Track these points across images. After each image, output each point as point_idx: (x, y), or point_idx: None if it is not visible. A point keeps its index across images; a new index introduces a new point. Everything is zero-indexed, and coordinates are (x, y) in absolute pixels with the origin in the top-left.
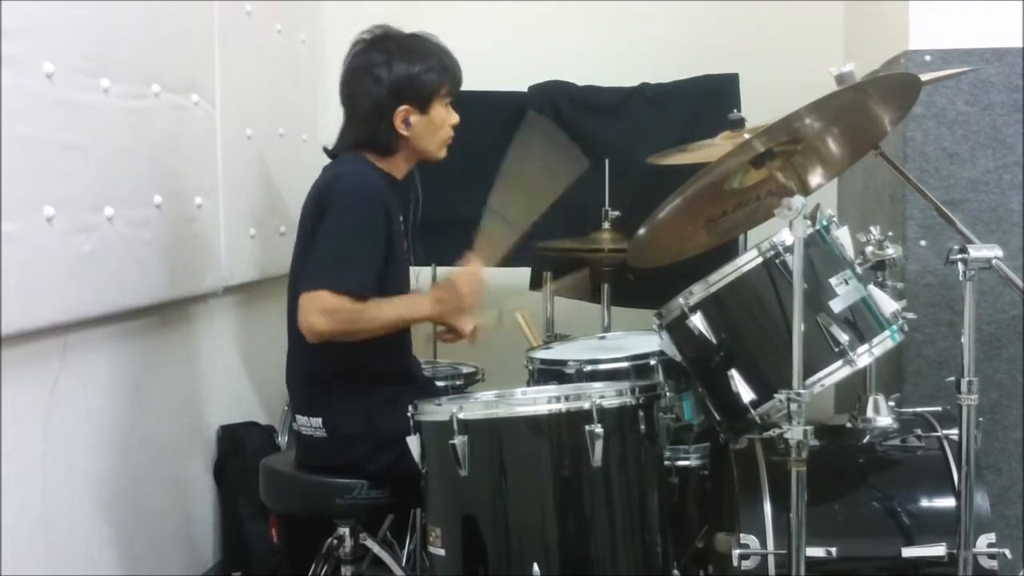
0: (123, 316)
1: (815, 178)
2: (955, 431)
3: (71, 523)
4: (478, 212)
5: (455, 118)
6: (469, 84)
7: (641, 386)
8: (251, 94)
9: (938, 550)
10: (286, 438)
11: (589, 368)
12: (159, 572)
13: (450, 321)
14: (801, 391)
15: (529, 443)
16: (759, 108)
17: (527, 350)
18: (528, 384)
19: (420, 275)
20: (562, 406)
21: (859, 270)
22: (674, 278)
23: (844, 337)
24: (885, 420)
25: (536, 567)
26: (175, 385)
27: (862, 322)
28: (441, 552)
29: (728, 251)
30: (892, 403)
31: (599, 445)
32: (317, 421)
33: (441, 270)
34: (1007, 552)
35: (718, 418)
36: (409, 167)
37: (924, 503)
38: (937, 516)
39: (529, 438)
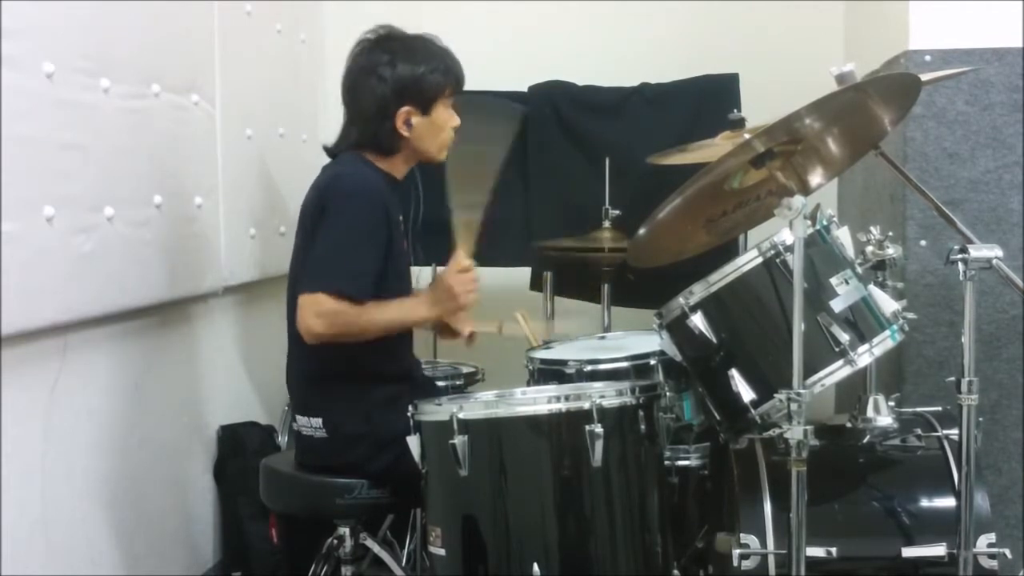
0: (123, 316)
1: (815, 178)
2: (955, 431)
3: (71, 523)
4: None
5: (456, 120)
6: (469, 84)
7: (641, 386)
8: (251, 94)
9: (938, 550)
10: (286, 438)
11: (589, 368)
12: (159, 572)
13: (449, 321)
14: (801, 391)
15: (529, 443)
16: (759, 108)
17: (527, 350)
18: (528, 384)
19: (420, 275)
20: (562, 406)
21: (859, 270)
22: (674, 278)
23: (844, 337)
24: (885, 420)
25: (536, 567)
26: (175, 385)
27: (862, 322)
28: (441, 552)
29: (728, 251)
30: (892, 403)
31: (599, 445)
32: (317, 421)
33: (441, 270)
34: (1007, 552)
35: (718, 418)
36: (408, 168)
37: (924, 503)
38: (937, 516)
39: (529, 438)
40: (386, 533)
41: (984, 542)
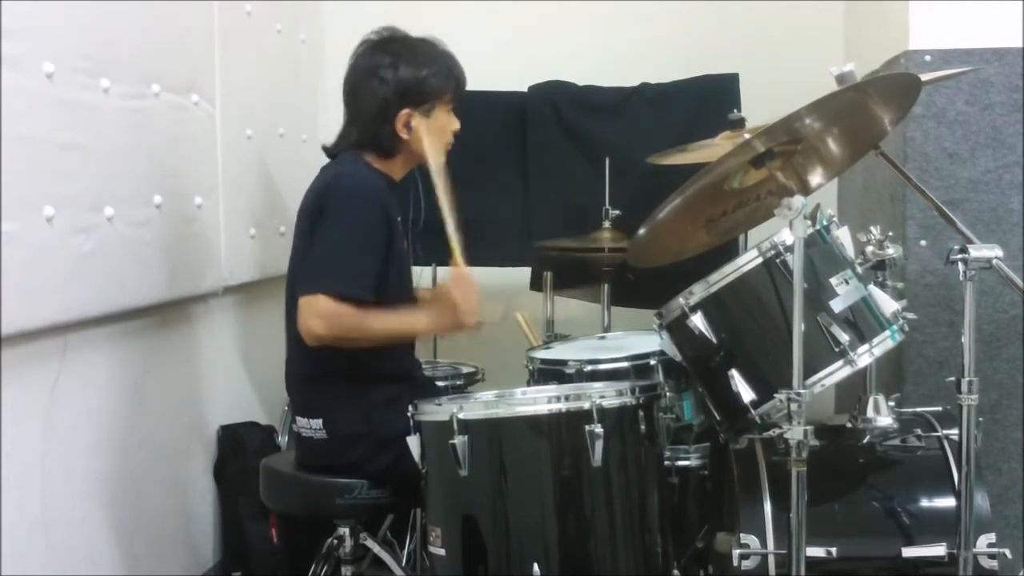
0: (123, 316)
1: (815, 178)
2: (955, 431)
3: (71, 523)
4: (477, 213)
5: (456, 124)
6: (469, 84)
7: (641, 386)
8: (251, 94)
9: (938, 550)
10: (286, 438)
11: (589, 368)
12: (159, 572)
13: (449, 332)
14: (801, 391)
15: (529, 443)
16: (759, 108)
17: (527, 350)
18: (528, 384)
19: (421, 275)
20: (562, 406)
21: (859, 270)
22: (674, 278)
23: (844, 337)
24: (885, 420)
25: (536, 567)
26: (175, 385)
27: (862, 322)
28: (441, 552)
29: (728, 251)
30: (892, 403)
31: (599, 445)
32: (317, 422)
33: (441, 270)
34: (1007, 552)
35: (718, 418)
36: (406, 170)
37: (924, 503)
38: (937, 516)
39: (529, 438)
40: (386, 533)
41: (984, 542)
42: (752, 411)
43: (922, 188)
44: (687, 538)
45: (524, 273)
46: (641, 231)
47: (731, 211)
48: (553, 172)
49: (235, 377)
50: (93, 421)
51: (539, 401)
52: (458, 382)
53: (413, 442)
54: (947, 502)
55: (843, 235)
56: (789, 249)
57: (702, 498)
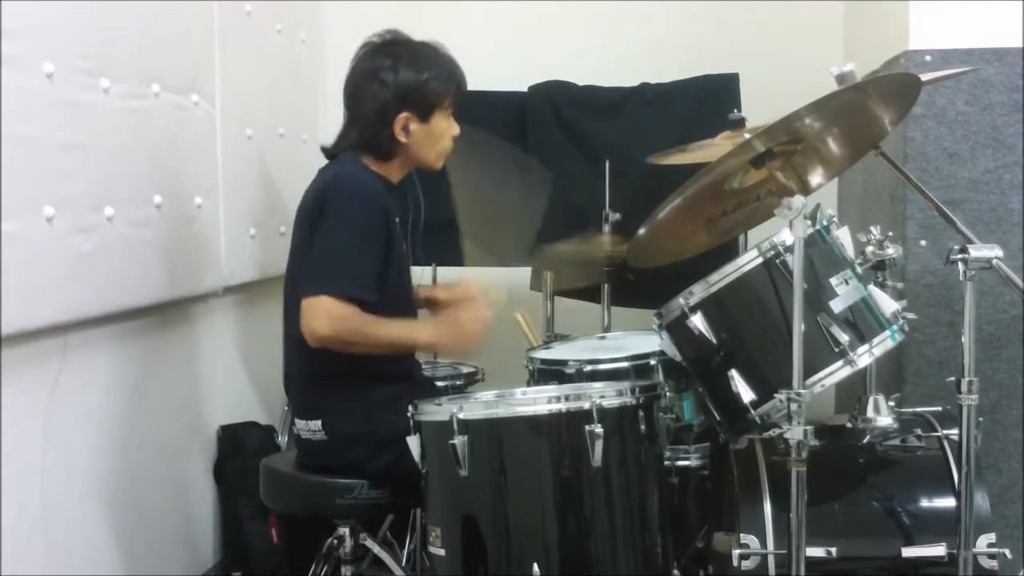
0: (123, 316)
1: (815, 178)
2: (955, 431)
3: (71, 523)
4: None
5: (456, 130)
6: (469, 84)
7: (641, 386)
8: (251, 94)
9: (938, 550)
10: (286, 438)
11: (589, 368)
12: (159, 572)
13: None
14: (801, 391)
15: (529, 443)
16: (759, 108)
17: (527, 350)
18: (528, 384)
19: (422, 275)
20: (562, 406)
21: (859, 270)
22: (674, 278)
23: (844, 337)
24: (885, 420)
25: (536, 567)
26: (175, 385)
27: (862, 322)
28: (441, 552)
29: (728, 251)
30: (892, 403)
31: (599, 445)
32: (316, 424)
33: (441, 270)
34: (1007, 552)
35: (718, 418)
36: (404, 173)
37: (924, 503)
38: (937, 516)
39: (529, 438)
40: (386, 533)
41: (984, 542)
42: (752, 411)
43: (922, 188)
44: (687, 538)
45: (524, 273)
46: (641, 231)
47: (731, 211)
48: (553, 172)
49: (235, 377)
50: (93, 421)
51: (539, 401)
52: (458, 382)
53: (413, 442)
54: (947, 502)
55: (843, 235)
56: (789, 249)
57: (702, 498)
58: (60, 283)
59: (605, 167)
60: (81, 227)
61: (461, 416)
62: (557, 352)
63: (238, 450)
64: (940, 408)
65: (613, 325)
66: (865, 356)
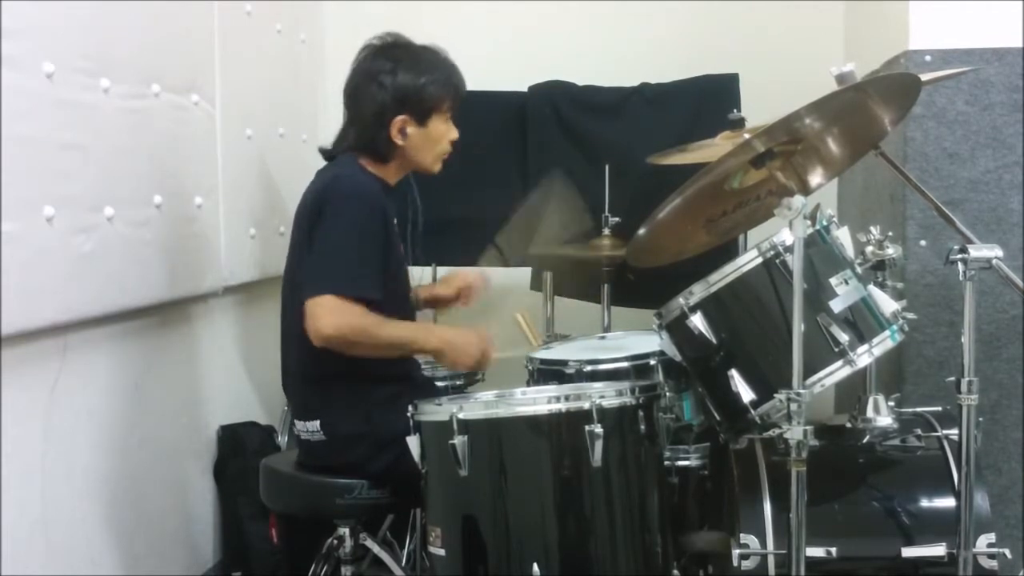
0: (123, 316)
1: (815, 178)
2: (955, 431)
3: (71, 523)
4: (478, 212)
5: (454, 134)
6: (469, 84)
7: (641, 386)
8: (251, 94)
9: (938, 550)
10: (286, 438)
11: (589, 368)
12: (159, 572)
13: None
14: (801, 391)
15: (529, 443)
16: (759, 108)
17: (527, 351)
18: (528, 384)
19: (422, 275)
20: (562, 406)
21: (859, 270)
22: (674, 278)
23: (844, 337)
24: (885, 420)
25: (536, 567)
26: (175, 385)
27: (862, 322)
28: (441, 552)
29: (728, 251)
30: (892, 403)
31: (599, 445)
32: (315, 424)
33: (441, 270)
34: (1007, 552)
35: (718, 418)
36: (401, 175)
37: (924, 503)
38: (937, 516)
39: (529, 438)
40: (386, 533)
41: (984, 542)
42: (752, 411)
43: (922, 188)
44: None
45: (524, 273)
46: (641, 231)
47: (731, 211)
48: (553, 172)
49: (235, 377)
50: (93, 421)
51: (539, 401)
52: (458, 382)
53: (413, 442)
54: (947, 502)
55: (843, 235)
56: (789, 249)
57: (702, 498)
58: (60, 283)
59: (605, 172)
60: (81, 227)
61: (461, 416)
62: (557, 352)
63: (238, 450)
64: (940, 408)
65: (613, 325)
66: (865, 356)
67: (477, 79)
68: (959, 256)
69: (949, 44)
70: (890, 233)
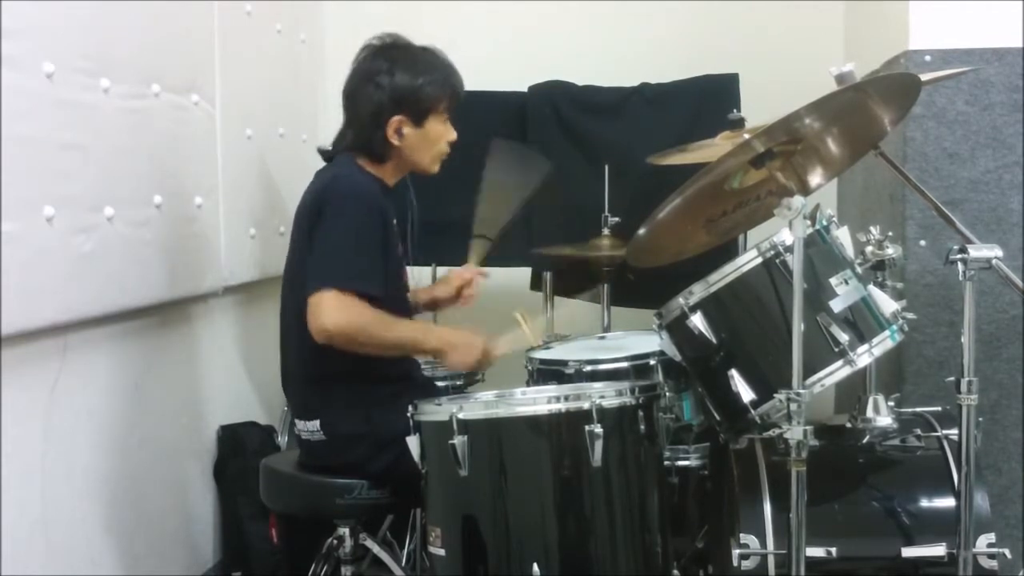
0: (123, 316)
1: (815, 178)
2: (955, 431)
3: (71, 523)
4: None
5: (452, 135)
6: (469, 84)
7: (641, 386)
8: (251, 94)
9: (938, 550)
10: (286, 438)
11: (589, 368)
12: (159, 572)
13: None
14: (801, 391)
15: (529, 443)
16: (759, 108)
17: (527, 350)
18: (528, 384)
19: (422, 275)
20: (562, 406)
21: (859, 270)
22: (674, 278)
23: (844, 337)
24: (885, 420)
25: (536, 567)
26: (175, 385)
27: (862, 322)
28: (441, 552)
29: (728, 251)
30: (892, 403)
31: (599, 445)
32: (315, 424)
33: (441, 270)
34: (1007, 552)
35: (718, 418)
36: (398, 176)
37: (924, 503)
38: (937, 516)
39: (529, 438)
40: (386, 533)
41: (984, 542)
42: (752, 411)
43: (922, 188)
44: (687, 538)
45: (524, 273)
46: (641, 231)
47: (731, 211)
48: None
49: (235, 377)
50: (93, 421)
51: (539, 401)
52: (458, 382)
53: (413, 442)
54: (947, 502)
55: (843, 235)
56: (789, 249)
57: (702, 498)
58: (60, 283)
59: (605, 172)
60: (81, 227)
61: (461, 416)
62: (557, 352)
63: (238, 450)
64: (940, 408)
65: (613, 325)
66: (865, 356)
67: (477, 79)
68: (959, 256)
69: (949, 44)
70: (890, 233)
